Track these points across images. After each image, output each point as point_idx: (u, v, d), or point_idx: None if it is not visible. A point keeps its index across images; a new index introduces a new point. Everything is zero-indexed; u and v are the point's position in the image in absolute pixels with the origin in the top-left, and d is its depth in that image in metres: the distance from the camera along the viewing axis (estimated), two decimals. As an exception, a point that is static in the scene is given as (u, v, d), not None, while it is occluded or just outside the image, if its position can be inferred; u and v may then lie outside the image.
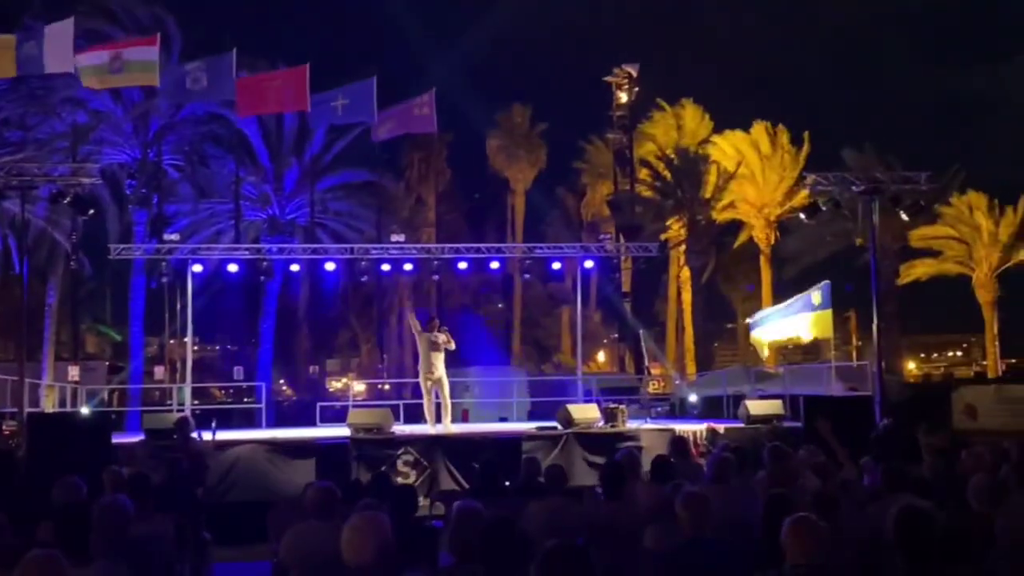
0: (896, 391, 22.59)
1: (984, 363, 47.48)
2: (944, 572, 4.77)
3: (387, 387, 36.07)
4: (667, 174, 40.54)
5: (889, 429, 12.97)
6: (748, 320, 25.62)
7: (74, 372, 25.32)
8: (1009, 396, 20.85)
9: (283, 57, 27.12)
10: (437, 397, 17.48)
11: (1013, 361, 45.91)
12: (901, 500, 5.64)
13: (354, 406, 20.15)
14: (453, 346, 17.56)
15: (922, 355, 72.59)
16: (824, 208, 19.55)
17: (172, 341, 35.96)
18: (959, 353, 78.59)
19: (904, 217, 20.27)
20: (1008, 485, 6.69)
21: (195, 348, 28.18)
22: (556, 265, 22.98)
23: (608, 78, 44.02)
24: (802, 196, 36.49)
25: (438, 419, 17.44)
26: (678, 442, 10.20)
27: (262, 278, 22.56)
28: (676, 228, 41.55)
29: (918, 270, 41.38)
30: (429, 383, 17.30)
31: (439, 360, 17.24)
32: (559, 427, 16.66)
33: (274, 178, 34.67)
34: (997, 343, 42.32)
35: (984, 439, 10.93)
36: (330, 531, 5.09)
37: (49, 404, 24.81)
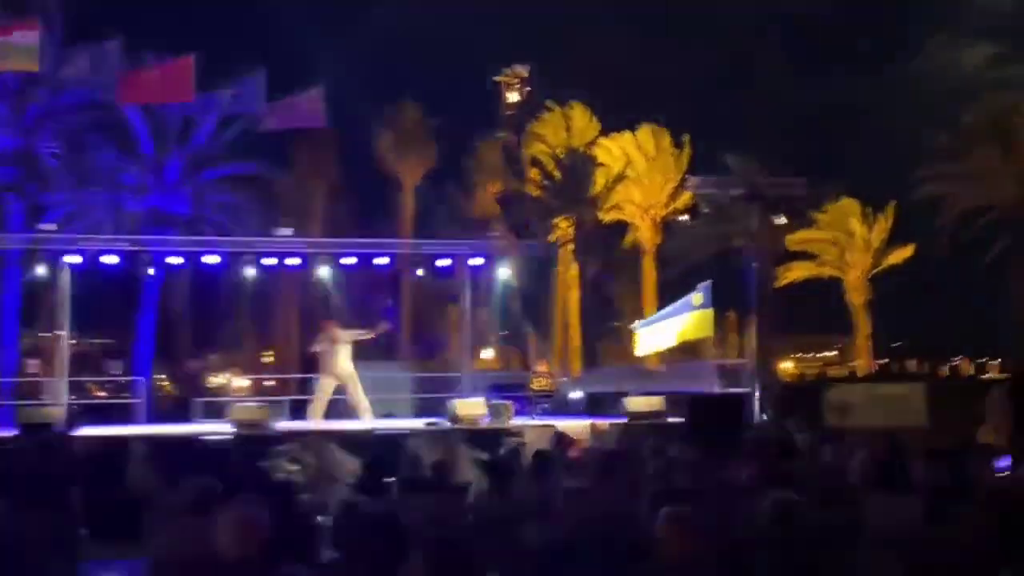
0: (771, 389, 23.19)
1: (856, 363, 49.07)
2: (813, 563, 4.96)
3: (271, 383, 35.61)
4: (556, 174, 40.86)
5: (764, 426, 13.35)
6: (633, 326, 25.85)
7: (-59, 366, 24.33)
8: (879, 395, 21.44)
9: (169, 47, 26.46)
10: (341, 393, 17.50)
11: (884, 362, 47.52)
12: (774, 494, 5.82)
13: (235, 401, 19.91)
14: (363, 334, 17.71)
15: (798, 354, 74.39)
16: (706, 211, 19.97)
17: (47, 334, 34.79)
18: (833, 353, 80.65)
19: (782, 221, 20.87)
20: (874, 480, 6.98)
21: (73, 342, 27.29)
22: (445, 262, 22.91)
23: (498, 78, 44.20)
24: (686, 198, 37.27)
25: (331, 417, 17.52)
26: (560, 438, 10.33)
27: (150, 271, 22.01)
28: (564, 227, 41.94)
29: (794, 273, 42.55)
30: (330, 380, 17.27)
31: (345, 357, 17.26)
32: (445, 423, 16.71)
33: (156, 168, 33.81)
34: (870, 344, 43.82)
35: (855, 436, 11.30)
36: (208, 527, 5.03)
37: (-86, 399, 23.82)
